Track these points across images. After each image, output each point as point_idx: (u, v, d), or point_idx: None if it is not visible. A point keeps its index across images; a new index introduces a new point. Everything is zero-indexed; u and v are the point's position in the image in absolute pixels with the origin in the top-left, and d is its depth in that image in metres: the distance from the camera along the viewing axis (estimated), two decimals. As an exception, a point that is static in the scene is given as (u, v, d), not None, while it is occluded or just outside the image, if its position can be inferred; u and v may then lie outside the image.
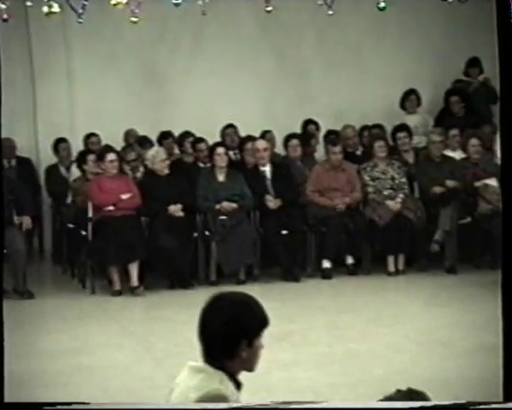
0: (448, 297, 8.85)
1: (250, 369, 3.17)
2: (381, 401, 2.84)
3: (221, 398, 3.00)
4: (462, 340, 7.40)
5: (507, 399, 2.58)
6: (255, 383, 6.20)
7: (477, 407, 2.86)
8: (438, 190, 10.05)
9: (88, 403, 3.06)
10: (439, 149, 10.27)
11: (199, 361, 3.17)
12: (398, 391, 2.84)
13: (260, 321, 3.14)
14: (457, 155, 10.44)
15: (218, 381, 3.07)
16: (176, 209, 9.71)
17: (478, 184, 9.95)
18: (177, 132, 11.16)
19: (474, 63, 11.33)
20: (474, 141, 10.24)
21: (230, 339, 3.07)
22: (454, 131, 10.50)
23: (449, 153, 10.40)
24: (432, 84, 11.61)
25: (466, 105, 11.13)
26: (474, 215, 9.94)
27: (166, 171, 9.88)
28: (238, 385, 3.16)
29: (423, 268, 9.95)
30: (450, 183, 10.04)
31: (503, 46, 2.79)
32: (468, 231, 9.94)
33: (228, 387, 3.08)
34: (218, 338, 3.08)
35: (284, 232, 9.86)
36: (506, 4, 2.79)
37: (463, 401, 3.05)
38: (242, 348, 3.10)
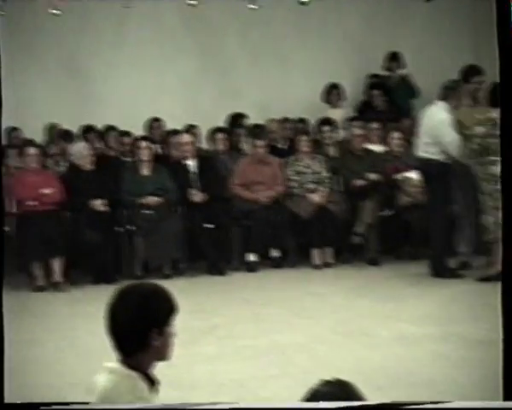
0: (370, 289, 9.00)
1: (163, 358, 3.17)
2: (309, 393, 2.87)
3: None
4: (383, 330, 7.53)
5: (507, 398, 2.64)
6: (179, 378, 6.25)
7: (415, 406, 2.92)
8: (359, 183, 10.19)
9: (87, 403, 3.05)
10: (360, 142, 10.41)
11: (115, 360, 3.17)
12: (327, 382, 2.88)
13: (169, 308, 3.14)
14: (379, 148, 10.60)
15: (129, 385, 3.06)
16: (99, 204, 9.66)
17: (398, 176, 10.13)
18: (100, 126, 11.08)
19: (393, 58, 11.50)
20: (395, 134, 10.42)
21: (140, 329, 3.07)
22: (375, 125, 10.66)
23: (370, 146, 10.55)
24: (353, 78, 11.75)
25: (387, 99, 11.30)
26: (395, 207, 10.11)
27: (90, 165, 9.82)
28: (153, 382, 3.15)
29: (346, 260, 10.08)
30: (371, 176, 10.20)
31: (503, 46, 2.83)
32: (389, 223, 10.11)
33: (137, 390, 3.07)
34: (128, 330, 3.07)
35: (209, 226, 9.89)
36: (506, 4, 2.83)
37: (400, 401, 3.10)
38: (153, 337, 3.09)
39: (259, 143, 10.33)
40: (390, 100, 11.33)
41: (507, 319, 2.56)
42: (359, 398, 2.89)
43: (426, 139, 9.19)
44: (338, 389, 2.86)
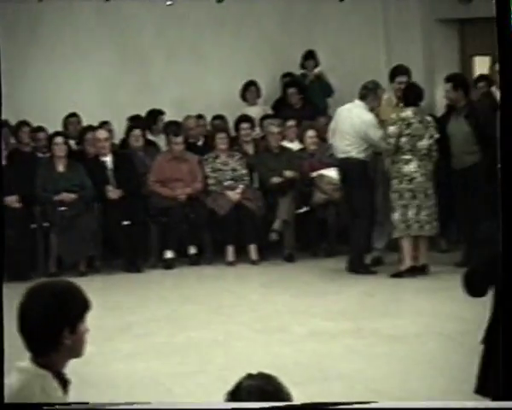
0: (286, 285, 9.08)
1: (76, 356, 3.14)
2: (233, 387, 2.89)
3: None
4: (299, 326, 7.62)
5: (507, 398, 2.67)
6: (95, 375, 6.22)
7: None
8: (276, 180, 10.27)
9: (87, 403, 3.00)
10: (276, 139, 10.49)
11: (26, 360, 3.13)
12: (251, 375, 2.90)
13: (81, 305, 3.11)
14: (295, 145, 10.69)
15: (41, 385, 3.04)
16: (12, 200, 9.53)
17: (314, 174, 10.24)
18: (13, 121, 10.90)
19: (309, 56, 11.60)
20: (310, 133, 10.53)
21: (52, 328, 3.04)
22: (291, 123, 10.74)
23: (286, 144, 10.64)
24: (269, 76, 11.82)
25: (303, 97, 11.39)
26: (311, 205, 10.22)
27: (3, 161, 9.67)
28: (65, 382, 3.13)
29: (263, 257, 10.13)
30: (287, 173, 10.28)
31: (504, 46, 2.84)
32: (305, 220, 10.21)
33: (50, 389, 3.05)
34: (39, 329, 3.04)
35: (126, 223, 9.84)
36: (506, 4, 2.85)
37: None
38: (65, 335, 3.06)
39: (176, 139, 10.33)
40: (306, 98, 11.43)
41: (507, 320, 2.61)
42: (283, 392, 2.93)
43: (347, 138, 9.32)
44: (262, 383, 2.89)
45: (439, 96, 11.02)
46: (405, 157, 9.04)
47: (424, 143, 9.04)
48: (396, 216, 9.07)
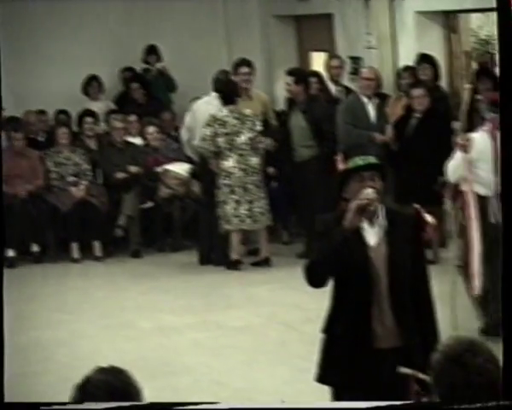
0: (132, 281, 9.05)
1: None
2: (81, 380, 2.90)
3: None
4: (145, 322, 7.64)
5: (507, 398, 2.71)
6: None
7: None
8: (120, 175, 10.22)
9: (52, 403, 2.98)
10: (120, 135, 10.43)
11: None
12: (101, 369, 2.92)
13: None
14: (139, 140, 10.66)
15: None
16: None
17: (159, 169, 10.24)
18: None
19: (151, 51, 11.57)
20: (150, 129, 10.50)
21: None
22: (133, 117, 10.69)
23: (130, 139, 10.59)
24: (112, 70, 11.71)
25: (146, 92, 11.36)
26: (156, 200, 10.22)
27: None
28: None
29: (109, 254, 10.04)
30: (132, 168, 10.25)
31: (504, 46, 2.86)
32: (151, 215, 10.21)
33: None
34: None
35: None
36: (506, 4, 2.86)
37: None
38: None
39: (16, 135, 10.12)
40: (149, 93, 11.41)
41: (507, 318, 2.66)
42: (133, 387, 2.96)
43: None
44: (111, 378, 2.92)
45: (278, 91, 11.24)
46: (224, 154, 9.14)
47: (242, 139, 9.14)
48: (220, 211, 9.17)
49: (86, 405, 2.94)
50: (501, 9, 2.86)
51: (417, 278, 4.22)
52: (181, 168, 10.22)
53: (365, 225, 4.16)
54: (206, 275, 9.09)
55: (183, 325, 7.51)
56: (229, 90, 9.22)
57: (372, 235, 4.16)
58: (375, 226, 4.16)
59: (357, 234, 4.12)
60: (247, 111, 9.25)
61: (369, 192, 4.05)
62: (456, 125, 8.38)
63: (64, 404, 3.00)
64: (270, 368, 6.50)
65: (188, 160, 10.28)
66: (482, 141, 6.80)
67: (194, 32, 11.55)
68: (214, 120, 9.12)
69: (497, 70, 9.83)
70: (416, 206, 4.75)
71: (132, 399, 2.93)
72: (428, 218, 4.69)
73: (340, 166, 7.54)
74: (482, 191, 6.79)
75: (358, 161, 4.20)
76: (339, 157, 8.40)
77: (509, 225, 2.73)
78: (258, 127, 9.20)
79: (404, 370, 3.90)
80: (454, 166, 6.89)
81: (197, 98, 9.74)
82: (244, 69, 9.65)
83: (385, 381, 4.10)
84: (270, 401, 5.90)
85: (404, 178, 8.82)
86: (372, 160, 4.26)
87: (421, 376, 3.70)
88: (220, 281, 8.88)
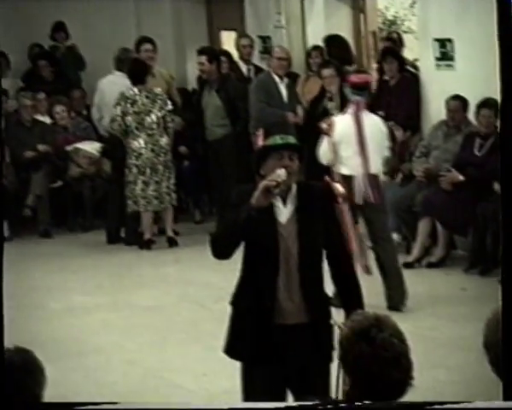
0: (42, 261, 8.94)
1: None
2: None
3: None
4: (55, 303, 7.58)
5: (507, 398, 2.71)
6: None
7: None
8: (29, 154, 10.07)
9: (86, 403, 2.92)
10: (29, 113, 10.26)
11: None
12: (6, 350, 2.93)
13: None
14: (48, 119, 10.51)
15: None
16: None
17: (69, 148, 10.12)
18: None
19: (59, 28, 11.38)
20: (57, 108, 10.33)
21: None
22: (41, 95, 10.52)
23: (39, 117, 10.43)
24: (19, 47, 11.49)
25: (54, 70, 11.18)
26: (66, 179, 10.11)
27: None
28: None
29: (18, 233, 9.88)
30: (41, 147, 10.10)
31: (504, 46, 2.83)
32: (60, 194, 10.09)
33: None
34: None
35: None
36: (506, 4, 2.83)
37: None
38: None
39: None
40: (57, 71, 11.23)
41: (506, 319, 2.68)
42: (37, 365, 2.98)
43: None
44: (17, 357, 2.92)
45: (189, 70, 11.21)
46: (134, 134, 9.10)
47: (153, 118, 9.10)
48: (128, 191, 9.15)
49: (89, 406, 2.95)
50: (501, 9, 2.89)
51: (335, 249, 4.25)
52: (91, 147, 10.13)
53: (279, 204, 4.19)
54: (116, 255, 9.05)
55: (93, 305, 7.47)
56: (138, 69, 9.15)
57: (284, 212, 4.20)
58: (287, 204, 4.21)
59: (269, 212, 4.16)
60: (158, 90, 9.20)
61: (279, 174, 4.08)
62: (331, 105, 8.55)
63: (65, 404, 3.02)
64: (181, 347, 6.52)
65: (98, 138, 10.21)
66: (344, 124, 6.98)
67: (103, 9, 11.41)
68: (124, 99, 9.05)
69: (403, 50, 10.09)
70: (326, 178, 4.84)
71: (34, 378, 2.94)
72: (339, 188, 4.77)
73: (260, 142, 7.60)
74: (346, 172, 6.97)
75: (278, 139, 4.21)
76: (259, 133, 8.43)
77: (508, 225, 2.76)
78: (169, 106, 9.17)
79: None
80: (322, 150, 7.11)
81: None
82: (146, 46, 9.59)
83: (291, 356, 4.16)
84: (183, 379, 5.95)
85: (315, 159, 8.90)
86: (292, 140, 4.27)
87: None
88: (131, 261, 8.85)
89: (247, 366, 4.27)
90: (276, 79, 9.25)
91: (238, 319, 4.27)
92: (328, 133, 6.99)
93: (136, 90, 9.06)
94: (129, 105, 9.03)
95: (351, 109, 7.04)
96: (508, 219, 2.80)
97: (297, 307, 4.18)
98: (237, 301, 4.29)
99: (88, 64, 11.29)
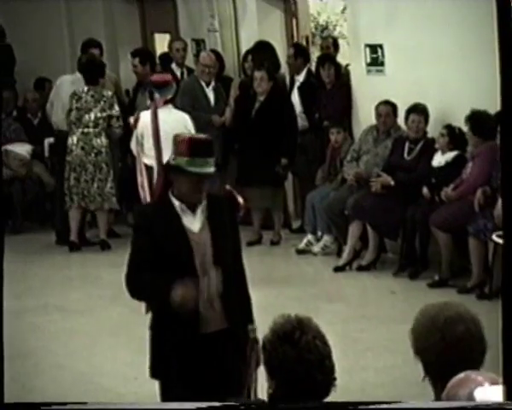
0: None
1: None
2: None
3: None
4: None
5: (507, 398, 2.69)
6: None
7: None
8: None
9: (85, 403, 2.93)
10: (-42, 114, 10.10)
11: None
12: None
13: None
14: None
15: None
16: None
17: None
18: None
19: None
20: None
21: None
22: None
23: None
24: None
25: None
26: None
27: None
28: None
29: None
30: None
31: (504, 46, 2.79)
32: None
33: None
34: None
35: None
36: (506, 4, 2.79)
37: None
38: None
39: None
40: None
41: (507, 320, 2.66)
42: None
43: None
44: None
45: (122, 71, 11.13)
46: (72, 130, 9.11)
47: (91, 117, 9.06)
48: (64, 187, 9.12)
49: (88, 405, 2.92)
50: (501, 9, 2.90)
51: (235, 257, 4.27)
52: (22, 149, 10.03)
53: (187, 214, 4.14)
54: (47, 257, 8.95)
55: (22, 309, 7.38)
56: (92, 70, 9.15)
57: (195, 222, 4.16)
58: (197, 214, 4.17)
59: (177, 224, 4.10)
60: (107, 92, 9.19)
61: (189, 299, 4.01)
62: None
63: (64, 404, 2.98)
64: (112, 351, 6.48)
65: (29, 140, 10.09)
66: (145, 118, 7.59)
67: (33, 8, 11.25)
68: (72, 96, 9.08)
69: (337, 55, 10.18)
70: (228, 187, 4.89)
71: None
72: (239, 198, 4.82)
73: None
74: (148, 162, 7.58)
75: (198, 166, 4.05)
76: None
77: (509, 225, 2.77)
78: (116, 109, 9.09)
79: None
80: (132, 142, 7.85)
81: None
82: (93, 50, 9.59)
83: (215, 360, 4.16)
84: (113, 383, 5.91)
85: (247, 160, 8.94)
86: (210, 167, 4.10)
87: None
88: (62, 263, 8.76)
89: (167, 384, 4.24)
90: (203, 83, 9.29)
91: (158, 340, 4.25)
92: (133, 127, 7.72)
93: (85, 88, 9.07)
94: (74, 101, 9.04)
95: (151, 106, 7.51)
96: (508, 220, 2.79)
97: (217, 313, 4.17)
98: (159, 319, 4.23)
99: (19, 64, 11.14)
